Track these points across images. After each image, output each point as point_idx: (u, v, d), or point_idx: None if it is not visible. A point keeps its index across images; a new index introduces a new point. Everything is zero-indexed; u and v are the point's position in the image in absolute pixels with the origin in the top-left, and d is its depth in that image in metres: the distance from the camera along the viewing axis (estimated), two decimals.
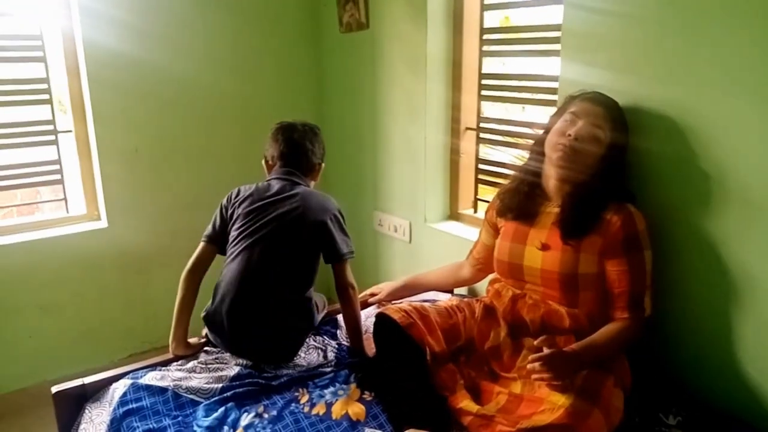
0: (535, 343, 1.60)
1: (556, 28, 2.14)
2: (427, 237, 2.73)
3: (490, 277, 2.07)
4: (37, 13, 2.58)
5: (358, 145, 3.07)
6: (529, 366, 1.55)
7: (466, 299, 2.01)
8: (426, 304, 1.93)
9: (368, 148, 2.99)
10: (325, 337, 2.07)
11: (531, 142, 2.00)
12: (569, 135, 1.73)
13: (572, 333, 1.75)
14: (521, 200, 1.87)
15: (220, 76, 2.92)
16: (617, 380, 1.65)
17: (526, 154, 1.97)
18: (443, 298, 2.28)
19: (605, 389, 1.59)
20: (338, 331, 2.13)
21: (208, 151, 2.97)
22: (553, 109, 2.17)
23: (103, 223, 2.82)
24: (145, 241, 2.88)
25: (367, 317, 2.20)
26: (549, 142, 1.79)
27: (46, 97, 2.66)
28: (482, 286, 2.26)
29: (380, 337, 1.85)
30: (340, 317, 2.19)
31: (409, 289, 2.28)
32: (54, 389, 1.73)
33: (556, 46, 2.16)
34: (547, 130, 1.84)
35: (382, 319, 1.85)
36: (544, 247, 1.78)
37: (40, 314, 2.70)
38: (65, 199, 2.80)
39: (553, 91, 2.16)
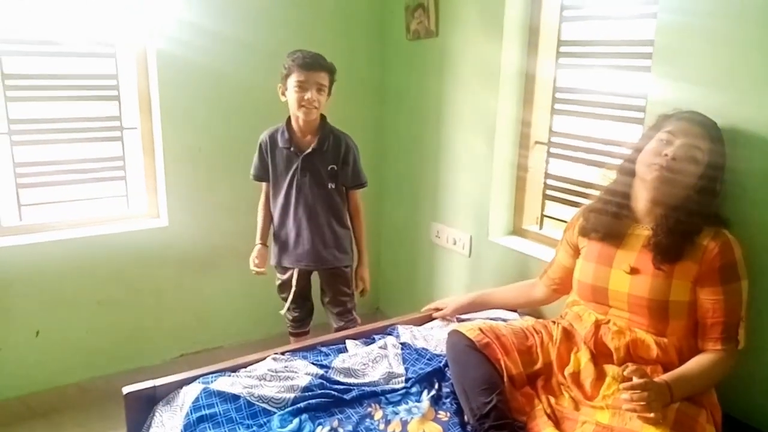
0: (626, 372, 1.53)
1: (643, 42, 2.08)
2: (488, 252, 2.67)
3: (562, 298, 2.02)
4: (109, 9, 2.59)
5: (419, 154, 3.02)
6: (622, 396, 1.48)
7: (541, 321, 1.94)
8: (500, 324, 1.87)
9: (429, 158, 2.94)
10: (387, 343, 2.01)
11: (617, 160, 1.93)
12: (666, 155, 1.66)
13: (659, 363, 1.67)
14: (608, 220, 1.80)
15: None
16: (709, 415, 1.58)
17: (611, 173, 1.90)
18: (510, 317, 2.22)
19: (698, 425, 1.52)
20: (398, 336, 2.08)
21: None
22: (636, 126, 2.12)
23: (162, 222, 2.81)
24: (202, 241, 2.86)
25: (432, 328, 2.16)
26: (642, 162, 1.72)
27: (114, 93, 2.67)
28: (550, 308, 2.20)
29: (454, 356, 1.79)
30: (403, 328, 2.14)
31: (477, 306, 2.22)
32: (125, 390, 1.71)
33: (643, 62, 2.10)
34: (638, 149, 1.77)
35: (455, 337, 1.80)
36: (633, 271, 1.71)
37: (98, 309, 2.70)
38: (127, 195, 2.80)
39: (639, 108, 2.09)
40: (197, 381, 1.75)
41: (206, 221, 2.86)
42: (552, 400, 1.70)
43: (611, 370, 1.69)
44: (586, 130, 2.39)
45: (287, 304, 2.55)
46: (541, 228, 2.62)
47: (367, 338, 2.09)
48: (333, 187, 2.40)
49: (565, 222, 2.47)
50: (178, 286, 2.88)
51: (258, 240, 2.51)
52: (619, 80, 2.26)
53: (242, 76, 2.80)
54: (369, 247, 2.60)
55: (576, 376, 1.72)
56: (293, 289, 2.50)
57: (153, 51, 2.63)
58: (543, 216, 2.61)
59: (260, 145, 2.46)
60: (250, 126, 2.88)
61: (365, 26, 3.10)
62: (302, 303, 2.60)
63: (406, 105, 3.08)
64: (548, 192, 2.56)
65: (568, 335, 1.82)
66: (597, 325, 1.77)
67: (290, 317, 2.62)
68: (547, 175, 2.56)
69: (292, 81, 2.27)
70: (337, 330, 2.48)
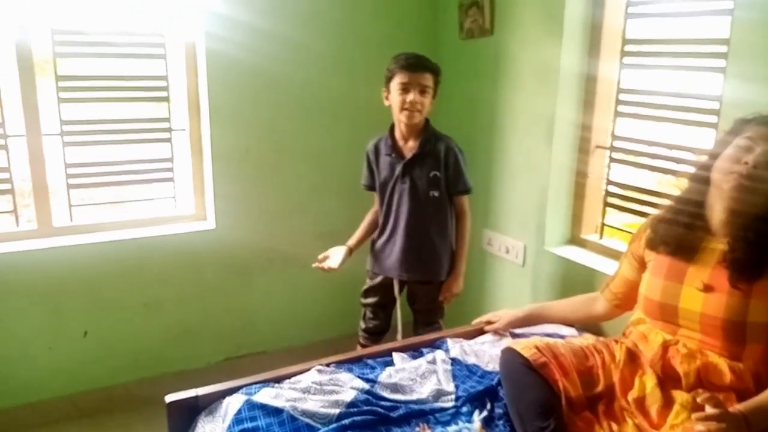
0: (699, 400, 1.39)
1: (717, 41, 1.93)
2: (544, 262, 2.54)
3: (625, 315, 1.88)
4: (160, 10, 2.58)
5: (471, 157, 2.87)
6: (697, 427, 1.34)
7: (602, 339, 1.81)
8: (558, 342, 1.75)
9: (482, 162, 2.82)
10: (436, 358, 1.91)
11: (689, 167, 1.78)
12: (746, 162, 1.52)
13: (733, 391, 1.53)
14: (679, 233, 1.66)
15: (333, 79, 2.84)
16: None
17: (683, 181, 1.76)
18: (568, 333, 2.09)
19: None
20: (448, 350, 1.98)
21: (316, 156, 2.89)
22: (708, 131, 1.97)
23: (209, 224, 2.79)
24: (249, 244, 2.82)
25: (483, 343, 2.05)
26: (719, 170, 1.58)
27: (164, 94, 2.66)
28: (611, 325, 2.06)
29: (508, 375, 1.68)
30: (452, 341, 2.04)
31: (532, 320, 2.10)
32: (168, 399, 1.66)
33: (716, 62, 1.95)
34: (714, 155, 1.63)
35: (510, 355, 1.69)
36: (707, 289, 1.57)
37: (145, 311, 2.70)
38: (175, 197, 2.78)
39: (712, 111, 1.93)
40: (240, 392, 1.70)
41: (253, 224, 2.82)
42: (614, 426, 1.57)
43: (680, 396, 1.55)
44: (651, 134, 2.25)
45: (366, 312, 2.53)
46: (601, 237, 2.48)
47: (415, 351, 1.99)
48: (436, 195, 2.30)
49: (628, 232, 2.35)
50: (224, 289, 2.85)
51: (347, 242, 2.46)
52: (689, 81, 2.12)
53: (291, 77, 2.76)
54: (469, 256, 2.49)
55: (641, 402, 1.58)
56: (374, 298, 2.49)
57: (202, 51, 2.61)
58: (603, 225, 2.47)
59: (366, 154, 2.43)
60: (299, 128, 2.85)
61: (416, 25, 3.01)
62: (380, 314, 2.52)
63: (458, 105, 2.98)
64: (609, 199, 2.42)
65: (632, 356, 1.68)
66: (665, 346, 1.63)
67: (363, 326, 2.56)
68: (608, 182, 2.42)
69: (395, 83, 2.22)
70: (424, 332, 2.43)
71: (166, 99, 2.66)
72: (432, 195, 2.29)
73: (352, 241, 2.48)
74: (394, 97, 2.24)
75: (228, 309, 2.88)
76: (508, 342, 2.00)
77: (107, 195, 2.72)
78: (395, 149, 2.34)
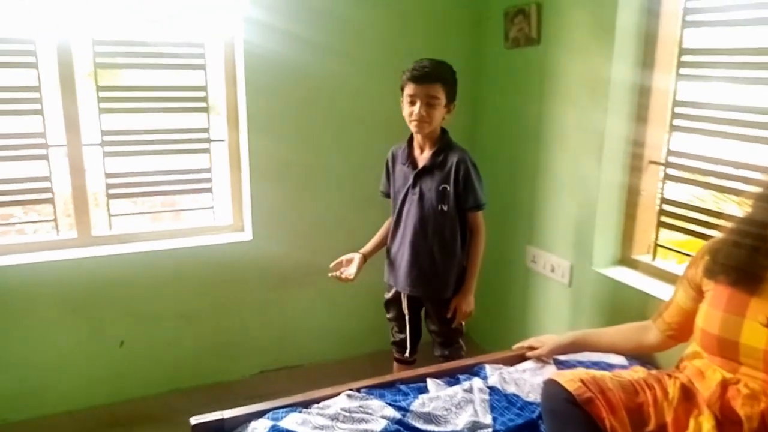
0: None
1: None
2: (591, 283, 2.40)
3: (679, 346, 1.74)
4: (200, 20, 2.56)
5: (514, 171, 2.80)
6: None
7: (654, 372, 1.68)
8: (605, 374, 1.63)
9: (527, 177, 2.71)
10: (472, 386, 1.81)
11: (754, 186, 1.63)
12: None
13: None
14: (742, 261, 1.52)
15: (373, 89, 2.76)
16: None
17: (746, 202, 1.62)
18: (615, 363, 1.96)
19: None
20: (486, 377, 1.87)
21: (355, 168, 2.83)
22: None
23: (247, 235, 2.76)
24: (287, 257, 2.78)
25: (525, 371, 1.93)
26: None
27: (203, 105, 2.64)
28: (664, 356, 1.91)
29: (550, 410, 1.57)
30: (491, 368, 1.93)
31: (578, 347, 1.97)
32: (193, 421, 1.62)
33: None
34: None
35: (552, 388, 1.58)
36: None
37: (181, 322, 2.68)
38: (213, 208, 2.77)
39: None
40: (267, 416, 1.64)
41: (290, 236, 2.78)
42: None
43: None
44: (710, 149, 2.09)
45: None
46: (653, 258, 2.33)
47: (451, 378, 1.90)
48: (444, 209, 2.19)
49: (684, 253, 2.20)
50: (261, 301, 2.81)
51: (362, 249, 2.39)
52: (753, 94, 1.96)
53: (331, 87, 2.70)
54: (481, 275, 2.36)
55: None
56: (394, 311, 2.41)
57: (241, 61, 2.58)
58: (656, 245, 2.32)
59: (386, 160, 2.37)
60: (338, 140, 2.79)
61: (459, 34, 2.92)
62: (403, 326, 2.42)
63: (502, 118, 2.87)
64: (663, 218, 2.27)
65: (687, 394, 1.55)
66: (724, 385, 1.49)
67: (391, 339, 2.49)
68: (662, 200, 2.27)
69: (405, 94, 2.16)
70: (440, 357, 2.34)
71: (206, 109, 2.65)
72: (440, 209, 2.19)
73: (366, 248, 2.40)
74: (404, 107, 2.17)
75: (264, 321, 2.85)
76: (551, 371, 1.90)
77: (146, 205, 2.71)
78: (410, 158, 2.26)
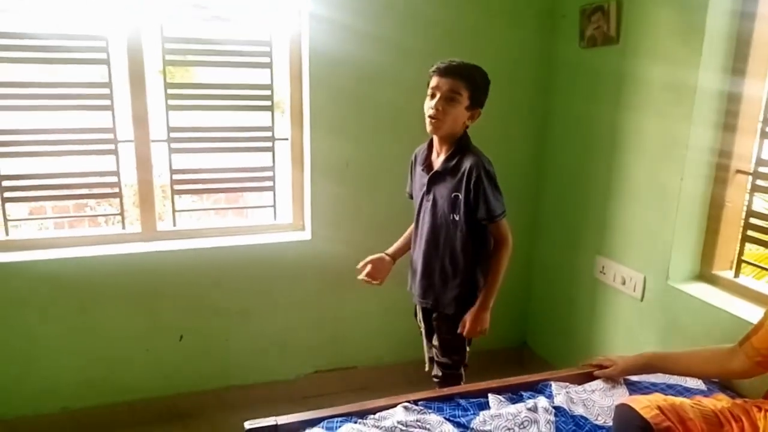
0: None
1: None
2: (666, 298, 2.25)
3: None
4: (267, 18, 2.55)
5: (586, 178, 2.66)
6: None
7: (739, 402, 1.55)
8: (685, 402, 1.51)
9: (599, 184, 2.57)
10: (537, 405, 1.70)
11: None
12: None
13: None
14: None
15: None
16: None
17: None
18: (693, 387, 1.82)
19: None
20: (552, 396, 1.77)
21: None
22: None
23: (306, 235, 2.74)
24: (344, 258, 2.71)
25: (594, 391, 1.82)
26: None
27: (268, 103, 2.63)
28: (750, 382, 1.76)
29: None
30: (557, 386, 1.83)
31: (652, 369, 1.85)
32: (247, 425, 1.59)
33: None
34: None
35: (626, 413, 1.47)
36: None
37: (239, 318, 2.69)
38: (275, 206, 2.75)
39: None
40: (321, 425, 1.59)
41: (349, 237, 2.73)
42: None
43: None
44: None
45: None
46: (736, 275, 2.16)
47: (514, 394, 1.80)
48: (456, 218, 2.01)
49: None
50: (318, 301, 2.79)
51: (388, 250, 2.29)
52: None
53: (396, 87, 2.63)
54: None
55: None
56: (418, 322, 2.29)
57: (306, 60, 2.55)
58: (740, 260, 2.15)
59: (410, 161, 2.26)
60: (400, 141, 2.72)
61: (531, 32, 2.81)
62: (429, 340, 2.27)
63: (574, 121, 2.74)
64: (749, 232, 2.10)
65: None
66: None
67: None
68: (749, 212, 2.10)
69: (429, 88, 2.01)
70: (434, 378, 2.19)
71: (270, 107, 2.64)
72: (452, 218, 2.02)
73: (391, 249, 2.29)
74: (425, 103, 2.01)
75: (320, 321, 2.82)
76: (622, 393, 1.78)
77: (209, 201, 2.72)
78: (427, 161, 2.11)
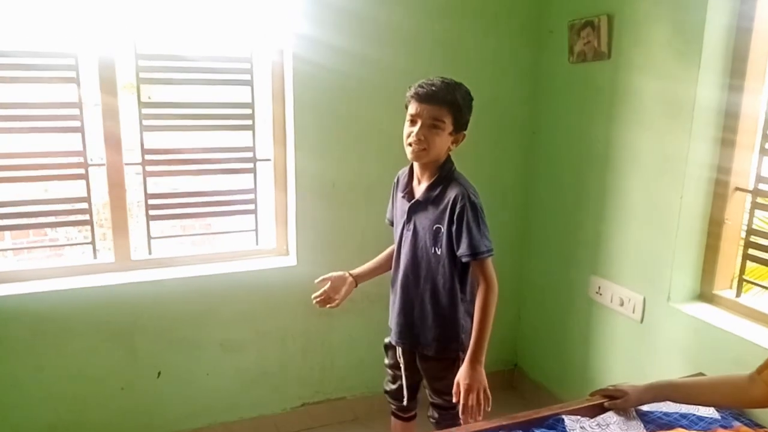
0: None
1: None
2: (667, 320, 2.20)
3: None
4: (248, 35, 2.43)
5: (578, 195, 2.61)
6: None
7: None
8: None
9: (592, 201, 2.52)
10: None
11: None
12: None
13: None
14: None
15: None
16: None
17: None
18: (706, 415, 1.76)
19: None
20: None
21: None
22: None
23: (291, 260, 2.61)
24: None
25: (608, 425, 1.73)
26: None
27: (249, 122, 2.50)
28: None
29: None
30: (570, 420, 1.73)
31: (665, 398, 1.77)
32: None
33: None
34: None
35: None
36: None
37: (220, 352, 2.54)
38: (256, 230, 2.62)
39: None
40: None
41: (336, 262, 2.56)
42: None
43: None
44: None
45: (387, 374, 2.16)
46: (738, 295, 2.12)
47: (525, 431, 1.71)
48: (438, 252, 1.87)
49: None
50: (304, 330, 2.66)
51: (354, 270, 2.13)
52: None
53: (382, 106, 2.53)
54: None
55: None
56: (391, 357, 2.11)
57: (290, 78, 2.44)
58: (742, 279, 2.11)
59: (393, 184, 2.10)
60: (388, 161, 2.61)
61: (516, 47, 2.75)
62: (397, 376, 2.11)
63: (564, 138, 2.68)
64: (751, 251, 2.07)
65: None
66: None
67: (384, 387, 2.18)
68: (749, 230, 2.06)
69: (408, 113, 1.86)
70: (430, 419, 2.05)
71: (251, 127, 2.51)
72: (434, 252, 1.88)
73: (357, 270, 2.13)
74: (405, 128, 1.86)
75: (307, 351, 2.69)
76: (637, 426, 1.71)
77: (186, 227, 2.58)
78: (408, 187, 1.97)
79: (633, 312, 2.33)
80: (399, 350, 2.06)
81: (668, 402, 1.80)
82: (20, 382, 2.27)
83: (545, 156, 2.81)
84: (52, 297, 2.26)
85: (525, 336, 3.05)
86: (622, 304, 2.39)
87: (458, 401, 1.81)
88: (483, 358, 1.83)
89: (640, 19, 2.24)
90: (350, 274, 2.11)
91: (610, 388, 1.86)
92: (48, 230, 3.43)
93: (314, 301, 2.10)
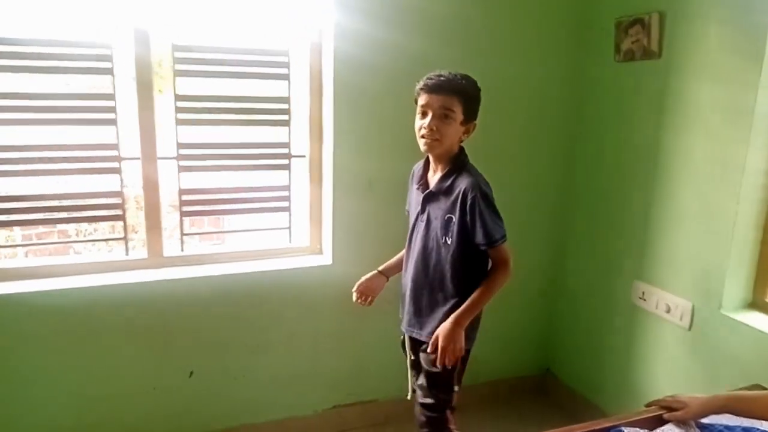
0: None
1: None
2: (719, 328, 2.13)
3: None
4: (286, 27, 2.36)
5: (622, 199, 2.53)
6: None
7: None
8: None
9: (637, 206, 2.45)
10: None
11: None
12: None
13: None
14: None
15: None
16: None
17: None
18: None
19: None
20: None
21: None
22: None
23: (326, 259, 2.55)
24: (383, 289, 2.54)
25: None
26: None
27: (285, 117, 2.43)
28: None
29: None
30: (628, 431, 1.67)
31: (729, 411, 1.70)
32: None
33: None
34: None
35: None
36: None
37: (253, 351, 2.47)
38: (290, 228, 2.56)
39: None
40: None
41: (372, 261, 2.50)
42: None
43: None
44: None
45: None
46: None
47: None
48: (448, 242, 1.87)
49: None
50: (337, 331, 2.59)
51: (381, 267, 2.17)
52: None
53: None
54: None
55: None
56: (406, 352, 2.11)
57: (329, 71, 2.37)
58: None
59: (409, 176, 2.11)
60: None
61: (559, 44, 2.67)
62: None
63: (608, 139, 2.60)
64: None
65: None
66: None
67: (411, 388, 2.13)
68: None
69: (418, 105, 1.87)
70: (419, 424, 2.01)
71: (287, 122, 2.44)
72: (444, 242, 1.88)
73: (383, 266, 2.16)
74: (416, 121, 1.87)
75: (340, 352, 2.63)
76: None
77: (220, 224, 2.51)
78: (423, 179, 1.98)
79: (680, 319, 2.27)
80: (408, 345, 2.07)
81: (733, 417, 1.73)
82: (47, 380, 2.22)
83: (586, 158, 2.74)
84: (83, 293, 2.20)
85: (559, 340, 2.98)
86: (668, 311, 2.32)
87: (433, 351, 1.85)
88: (466, 324, 1.85)
89: (694, 17, 2.17)
90: (378, 271, 2.16)
91: (668, 398, 1.79)
92: (62, 225, 3.37)
93: (357, 302, 2.14)
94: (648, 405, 1.83)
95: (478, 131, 2.58)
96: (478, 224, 1.81)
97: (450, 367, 1.87)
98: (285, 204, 2.52)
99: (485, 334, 2.85)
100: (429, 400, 1.96)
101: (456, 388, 1.97)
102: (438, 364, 1.85)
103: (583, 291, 2.79)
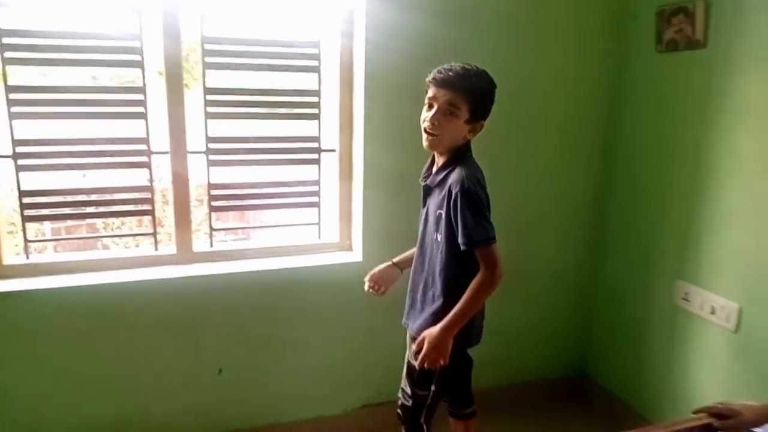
0: None
1: None
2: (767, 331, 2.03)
3: None
4: (316, 18, 2.31)
5: (664, 196, 2.44)
6: None
7: None
8: None
9: (679, 204, 2.35)
10: None
11: None
12: None
13: None
14: None
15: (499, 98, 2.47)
16: None
17: None
18: None
19: None
20: None
21: None
22: None
23: (356, 256, 2.50)
24: (398, 281, 2.49)
25: None
26: None
27: (315, 111, 2.39)
28: None
29: None
30: None
31: None
32: None
33: None
34: None
35: None
36: None
37: (281, 349, 2.44)
38: (319, 224, 2.51)
39: None
40: None
41: None
42: None
43: None
44: None
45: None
46: None
47: None
48: (438, 238, 1.81)
49: None
50: (367, 328, 2.54)
51: (395, 258, 2.13)
52: None
53: None
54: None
55: None
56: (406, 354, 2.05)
57: (360, 63, 2.31)
58: None
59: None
60: None
61: (596, 33, 2.58)
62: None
63: (649, 132, 2.51)
64: None
65: None
66: None
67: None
68: None
69: (426, 97, 1.81)
70: (399, 413, 2.01)
71: (317, 116, 2.39)
72: (435, 238, 1.83)
73: (397, 258, 2.12)
74: (422, 112, 1.82)
75: (371, 351, 2.58)
76: None
77: (245, 218, 2.48)
78: (428, 172, 1.93)
79: (726, 321, 2.17)
80: (408, 337, 2.03)
81: None
82: (81, 377, 2.21)
83: (625, 151, 2.64)
84: (114, 289, 2.18)
85: (597, 342, 2.89)
86: (713, 312, 2.22)
87: (418, 351, 1.80)
88: (455, 331, 1.76)
89: (742, 6, 2.06)
90: (392, 262, 2.13)
91: (718, 405, 1.70)
92: (90, 219, 3.38)
93: (368, 291, 2.12)
94: (696, 412, 1.74)
95: (511, 125, 2.52)
96: (459, 222, 1.72)
97: (429, 370, 1.82)
98: (314, 199, 2.48)
99: (517, 332, 2.81)
100: (408, 391, 2.02)
101: (433, 387, 1.93)
102: (417, 366, 1.82)
103: (623, 290, 2.70)
